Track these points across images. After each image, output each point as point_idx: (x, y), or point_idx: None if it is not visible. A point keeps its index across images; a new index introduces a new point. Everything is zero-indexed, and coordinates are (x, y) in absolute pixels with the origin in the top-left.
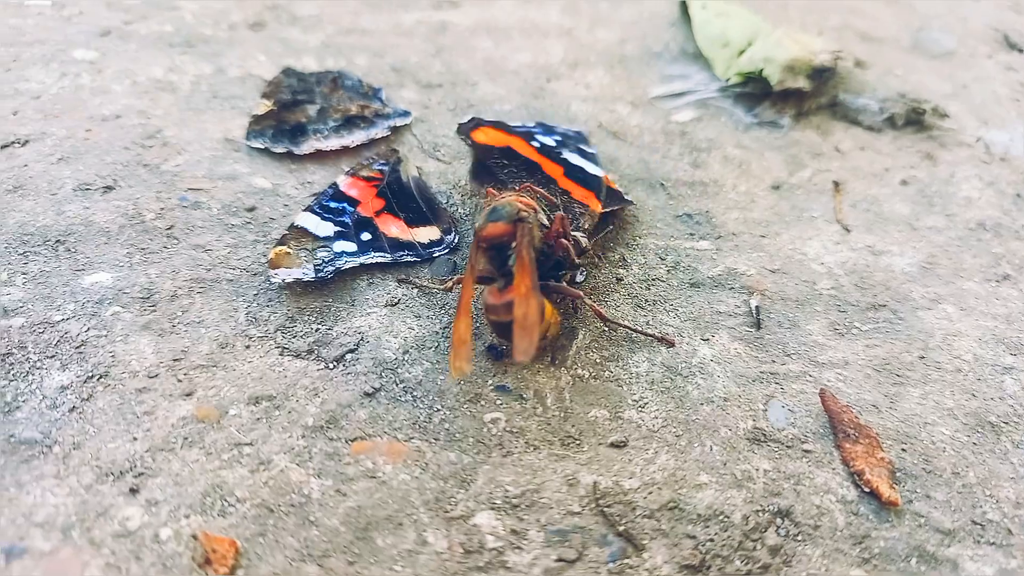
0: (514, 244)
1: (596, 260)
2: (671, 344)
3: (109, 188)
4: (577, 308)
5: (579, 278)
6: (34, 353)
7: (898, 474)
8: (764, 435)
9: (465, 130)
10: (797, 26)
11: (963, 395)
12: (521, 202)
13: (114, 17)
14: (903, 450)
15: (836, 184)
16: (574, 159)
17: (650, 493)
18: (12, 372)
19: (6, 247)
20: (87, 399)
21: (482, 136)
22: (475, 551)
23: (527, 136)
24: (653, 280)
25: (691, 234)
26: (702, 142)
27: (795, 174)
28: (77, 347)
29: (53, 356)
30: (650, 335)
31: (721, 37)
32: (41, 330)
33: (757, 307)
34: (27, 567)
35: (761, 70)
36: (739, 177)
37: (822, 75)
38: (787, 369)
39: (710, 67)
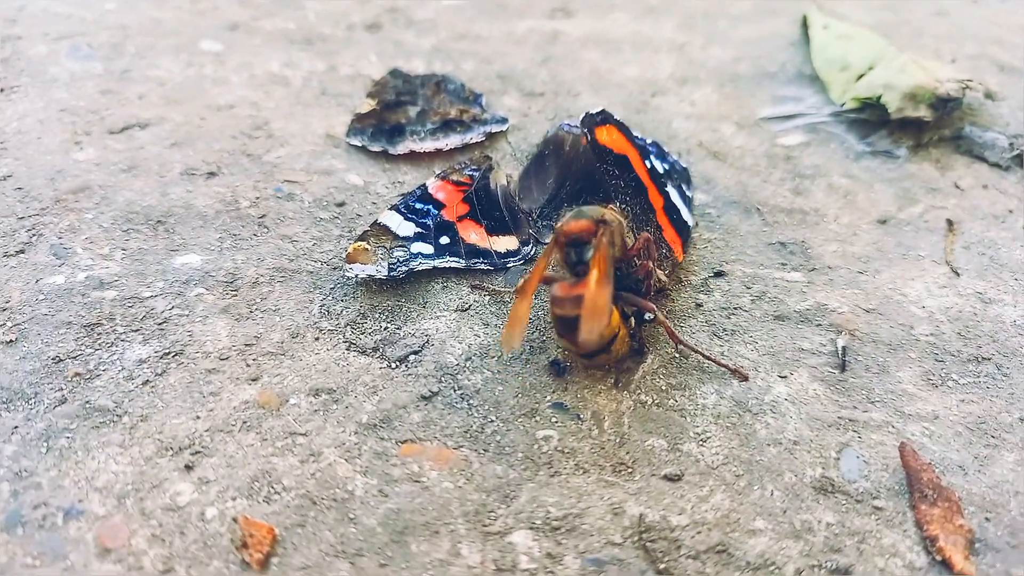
0: (593, 242)
1: (670, 294)
2: (744, 378)
3: (212, 174)
4: (643, 333)
5: (646, 317)
6: (121, 325)
7: (977, 545)
8: (833, 485)
9: (590, 123)
10: (930, 53)
11: None
12: (607, 209)
13: (243, 13)
14: (987, 519)
15: (950, 223)
16: (674, 196)
17: (699, 533)
18: (99, 341)
19: (112, 223)
20: (160, 374)
21: (605, 136)
22: (507, 570)
23: (643, 152)
24: (735, 309)
25: (783, 264)
26: (807, 168)
27: (905, 209)
28: (160, 324)
29: (137, 330)
30: (723, 365)
31: (840, 60)
32: (130, 304)
33: (844, 347)
34: (81, 528)
35: (879, 96)
36: (843, 208)
37: (946, 105)
38: (868, 417)
39: (826, 91)
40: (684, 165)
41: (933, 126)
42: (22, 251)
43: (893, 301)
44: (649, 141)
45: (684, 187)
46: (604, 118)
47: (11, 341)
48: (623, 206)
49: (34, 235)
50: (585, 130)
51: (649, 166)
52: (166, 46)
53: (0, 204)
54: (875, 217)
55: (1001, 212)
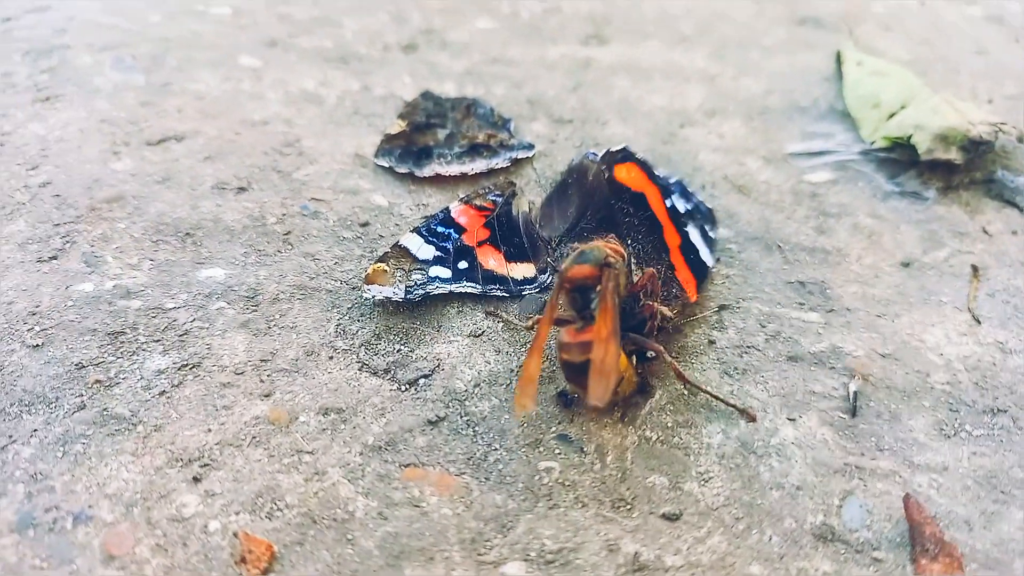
0: (598, 288)
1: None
2: (752, 419)
3: (243, 189)
4: (652, 368)
5: (648, 355)
6: (143, 335)
7: None
8: (833, 533)
9: (610, 160)
10: (966, 91)
11: None
12: (609, 247)
13: (282, 29)
14: None
15: (975, 268)
16: (694, 236)
17: (691, 574)
18: (121, 350)
19: (143, 233)
20: (177, 386)
21: (624, 173)
22: None
23: (665, 191)
24: (748, 347)
25: (801, 303)
26: (833, 206)
27: (930, 253)
28: (180, 335)
29: (158, 340)
30: (731, 405)
31: (872, 97)
32: (154, 315)
33: (856, 392)
34: (89, 534)
35: (910, 136)
36: (867, 248)
37: (978, 148)
38: (876, 465)
39: (856, 128)
40: (709, 206)
41: (964, 169)
42: (55, 257)
43: (910, 347)
44: (673, 180)
45: (707, 227)
46: (624, 156)
47: (38, 345)
48: (633, 243)
49: (68, 242)
50: (604, 167)
51: (669, 205)
52: (206, 60)
53: (38, 210)
54: (899, 259)
55: None
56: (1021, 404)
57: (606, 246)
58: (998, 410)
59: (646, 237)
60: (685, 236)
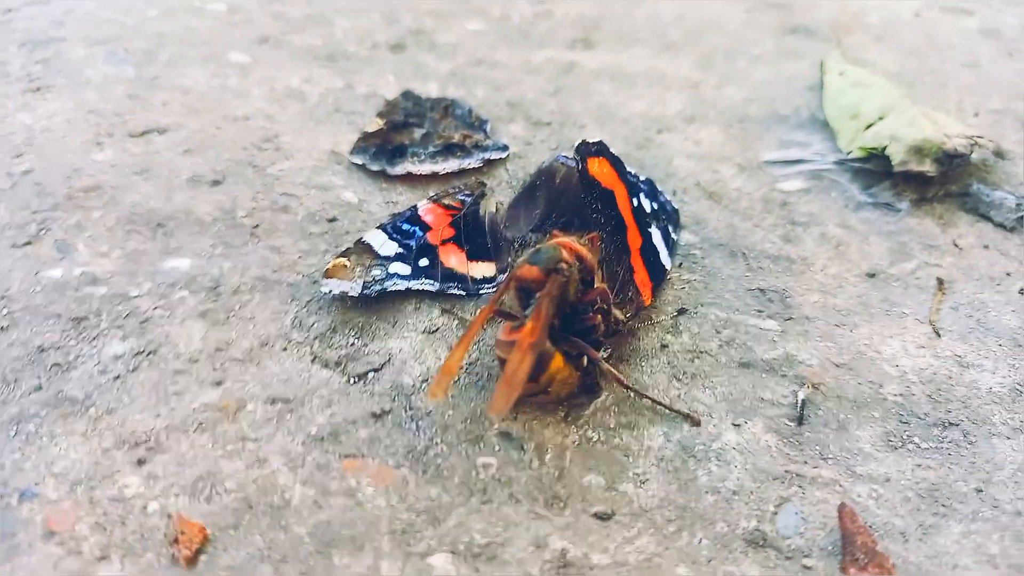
0: (537, 296)
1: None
2: (696, 423)
3: (217, 183)
4: (597, 372)
5: (602, 353)
6: (105, 321)
7: None
8: (765, 539)
9: (584, 152)
10: (952, 105)
11: (1015, 543)
12: (568, 249)
13: (275, 27)
14: None
15: (940, 281)
16: (656, 237)
17: (617, 573)
18: (83, 335)
19: (116, 223)
20: (132, 371)
21: (596, 168)
22: None
23: (633, 189)
24: (700, 352)
25: (759, 311)
26: (802, 215)
27: (897, 264)
28: (141, 322)
29: (119, 327)
30: (674, 410)
31: (852, 108)
32: (117, 302)
33: (804, 400)
34: (33, 510)
35: (885, 147)
36: (832, 258)
37: (953, 161)
38: (817, 473)
39: (834, 138)
40: (676, 206)
41: (939, 181)
42: (29, 243)
43: (866, 358)
44: (643, 178)
45: (671, 228)
46: (599, 149)
47: (3, 328)
48: (599, 242)
49: (42, 229)
50: (577, 158)
51: (636, 204)
52: (196, 56)
53: (17, 197)
54: (864, 270)
55: (998, 274)
56: (974, 418)
57: (566, 247)
58: (949, 423)
59: (610, 238)
60: (648, 238)
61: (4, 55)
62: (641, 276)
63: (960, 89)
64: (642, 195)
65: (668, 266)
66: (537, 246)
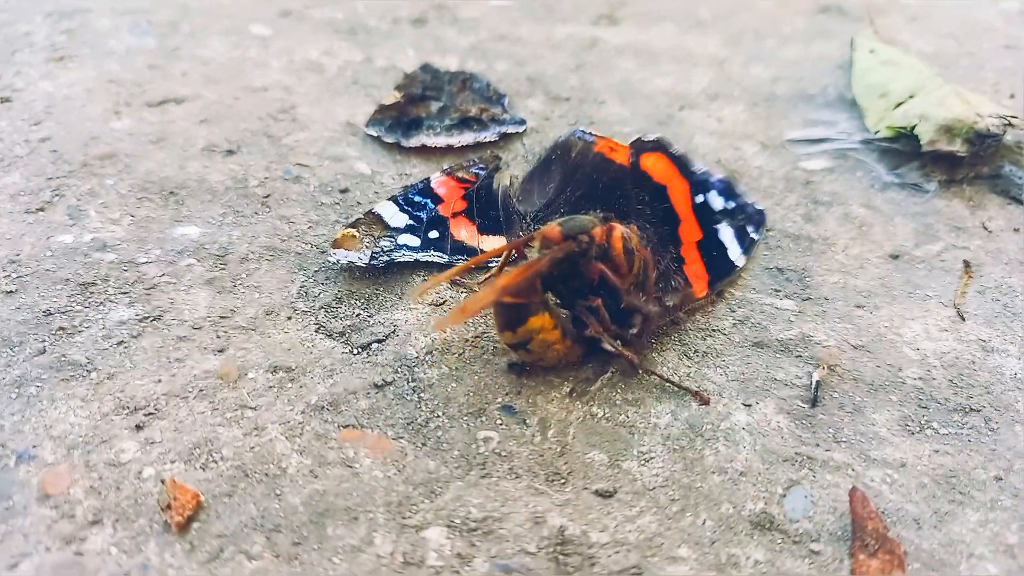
0: (542, 251)
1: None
2: (705, 402)
3: (231, 152)
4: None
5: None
6: (112, 287)
7: None
8: (772, 522)
9: (640, 149)
10: (988, 86)
11: None
12: (605, 231)
13: (297, 0)
14: None
15: (967, 264)
16: (725, 235)
17: (616, 552)
18: (89, 300)
19: (129, 190)
20: (136, 336)
21: (651, 162)
22: (414, 564)
23: (699, 187)
24: (713, 331)
25: (776, 290)
26: (825, 195)
27: (922, 246)
28: (148, 289)
29: (126, 293)
30: (683, 388)
31: (881, 86)
32: (125, 268)
33: (818, 382)
34: (30, 472)
35: (914, 126)
36: (855, 239)
37: (984, 141)
38: (829, 456)
39: (862, 117)
40: (760, 208)
41: (969, 162)
42: (42, 209)
43: (886, 340)
44: (717, 177)
45: (749, 228)
46: (656, 146)
47: (11, 291)
48: (641, 231)
49: (57, 195)
50: (633, 153)
51: (700, 200)
52: (219, 27)
53: (33, 164)
54: (888, 251)
55: None
56: (996, 404)
57: (605, 229)
58: (971, 409)
59: (658, 228)
60: (711, 233)
61: (30, 25)
62: (695, 268)
63: (997, 71)
64: (713, 193)
65: (738, 263)
66: (574, 216)
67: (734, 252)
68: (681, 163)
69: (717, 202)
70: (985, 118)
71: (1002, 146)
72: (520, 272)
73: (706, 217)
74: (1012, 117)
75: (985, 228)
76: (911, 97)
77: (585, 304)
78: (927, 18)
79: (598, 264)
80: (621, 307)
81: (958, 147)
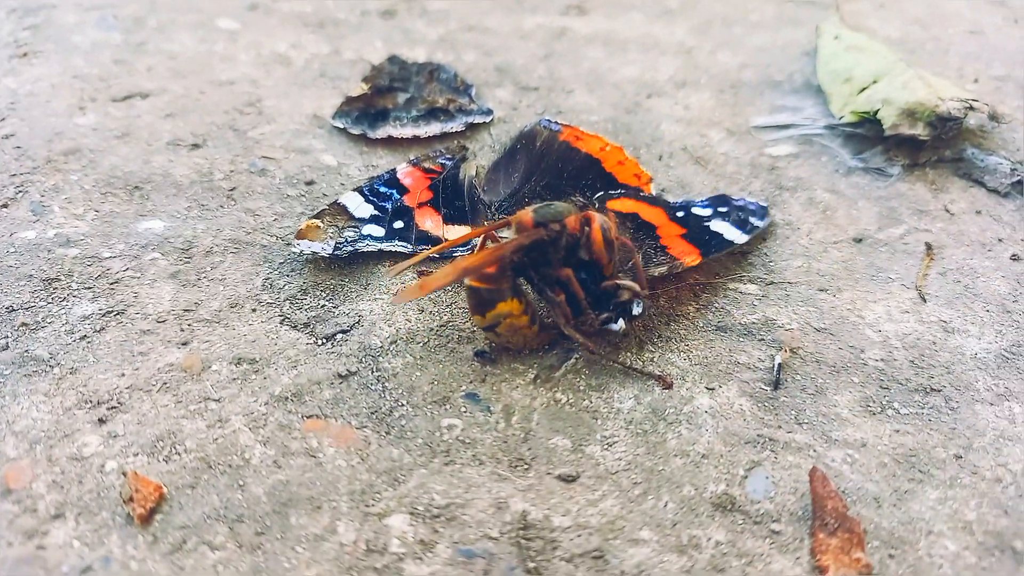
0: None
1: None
2: (668, 385)
3: (197, 146)
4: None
5: (636, 310)
6: (76, 282)
7: None
8: (733, 504)
9: (603, 200)
10: (953, 71)
11: (992, 510)
12: (580, 221)
13: None
14: (890, 556)
15: (929, 246)
16: (719, 227)
17: (578, 536)
18: (53, 295)
19: (93, 185)
20: (99, 331)
21: (617, 205)
22: (377, 551)
23: (679, 208)
24: (677, 316)
25: (740, 275)
26: (790, 180)
27: (885, 229)
28: (111, 283)
29: (90, 288)
30: (645, 373)
31: (845, 72)
32: (89, 263)
33: (780, 364)
34: None
35: (877, 111)
36: (819, 223)
37: (946, 124)
38: (790, 438)
39: (827, 103)
40: (762, 204)
41: (931, 146)
42: (5, 205)
43: (848, 322)
44: (705, 199)
45: (752, 219)
46: (615, 196)
47: None
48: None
49: (20, 191)
50: (599, 203)
51: (682, 215)
52: (185, 22)
53: None
54: (851, 235)
55: (989, 240)
56: (956, 384)
57: (575, 219)
58: (931, 389)
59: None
60: (703, 229)
61: None
62: (679, 249)
63: (962, 56)
64: (696, 207)
65: (737, 240)
66: (552, 203)
67: (731, 235)
68: (665, 206)
69: (704, 212)
70: (947, 101)
71: (964, 129)
72: (484, 255)
73: (692, 221)
74: (973, 100)
75: (947, 211)
76: (875, 82)
77: (550, 295)
78: (894, 5)
79: (567, 270)
80: (602, 287)
81: (920, 131)
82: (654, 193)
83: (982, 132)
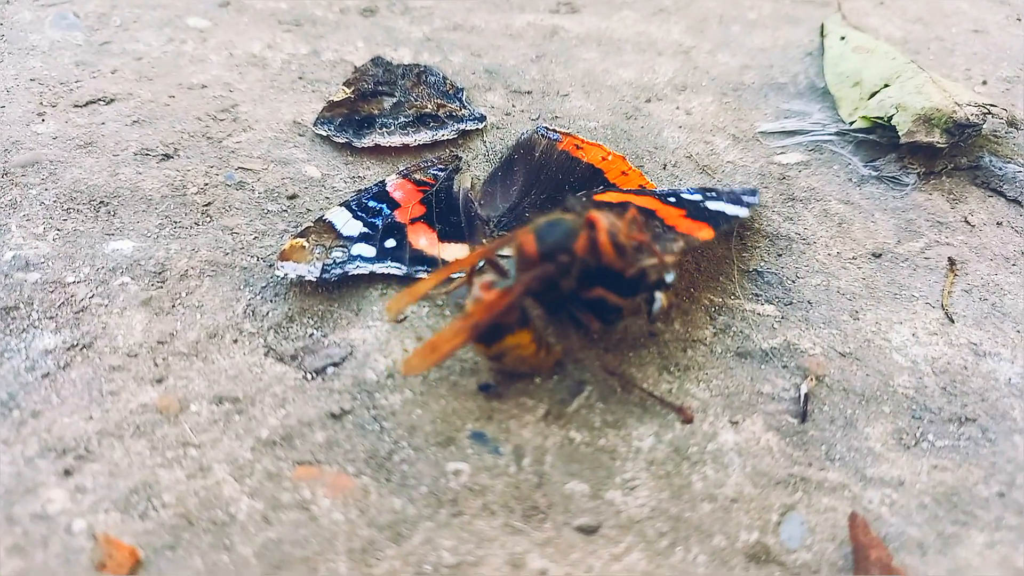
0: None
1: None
2: (688, 420)
3: (167, 156)
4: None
5: (669, 278)
6: (37, 311)
7: None
8: (768, 554)
9: (589, 196)
10: (960, 72)
11: None
12: (590, 238)
13: None
14: None
15: (952, 262)
16: (715, 205)
17: None
18: (11, 327)
19: (55, 201)
20: (63, 367)
21: (605, 199)
22: None
23: (667, 196)
24: (693, 341)
25: (756, 295)
26: (802, 191)
27: (905, 243)
28: (76, 312)
29: (52, 317)
30: (666, 404)
31: (854, 74)
32: (51, 289)
33: (807, 394)
34: None
35: (890, 117)
36: (835, 237)
37: (964, 131)
38: (823, 477)
39: (835, 107)
40: (752, 188)
41: (947, 153)
42: None
43: (874, 346)
44: (693, 189)
45: (745, 196)
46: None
47: None
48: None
49: None
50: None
51: (674, 200)
52: (152, 20)
53: None
54: (869, 250)
55: (1013, 254)
56: (992, 413)
57: (583, 241)
58: (966, 419)
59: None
60: (700, 210)
61: None
62: (687, 226)
63: (968, 57)
64: (684, 193)
65: (739, 214)
66: (557, 218)
67: (732, 211)
68: (644, 191)
69: (694, 197)
70: (964, 107)
71: (981, 136)
72: (494, 306)
73: (687, 204)
74: (991, 105)
75: (967, 222)
76: (886, 86)
77: (576, 318)
78: (893, 2)
79: (597, 290)
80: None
81: (937, 138)
82: None
83: (996, 138)
